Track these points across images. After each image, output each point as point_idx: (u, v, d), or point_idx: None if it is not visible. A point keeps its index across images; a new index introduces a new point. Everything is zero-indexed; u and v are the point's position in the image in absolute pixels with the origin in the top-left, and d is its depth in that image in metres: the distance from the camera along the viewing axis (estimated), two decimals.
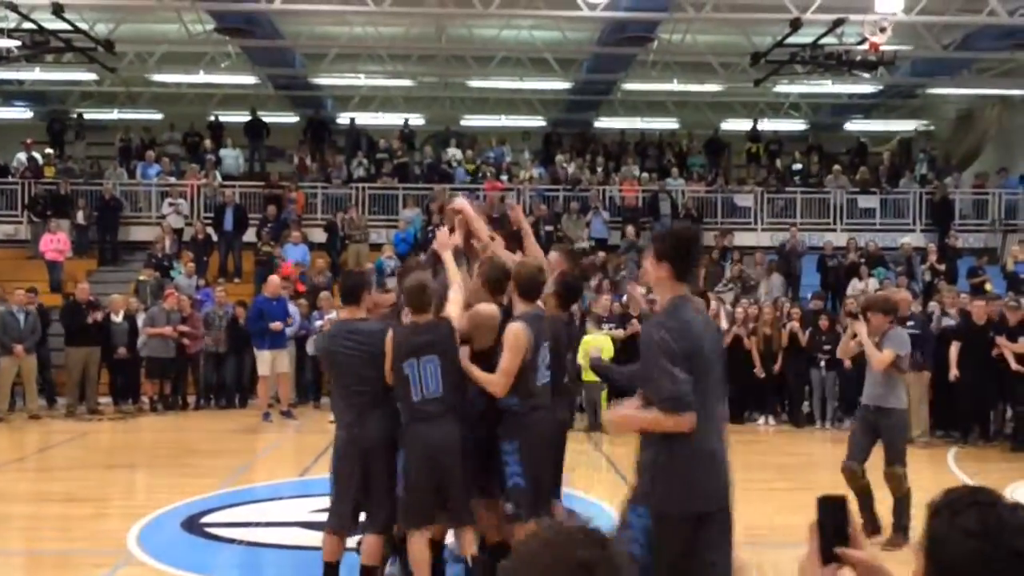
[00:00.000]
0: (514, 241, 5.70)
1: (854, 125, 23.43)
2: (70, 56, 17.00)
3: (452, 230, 5.37)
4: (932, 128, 23.45)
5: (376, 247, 17.38)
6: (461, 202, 5.51)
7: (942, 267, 16.18)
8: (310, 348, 13.13)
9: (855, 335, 6.63)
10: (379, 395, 4.95)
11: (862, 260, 16.36)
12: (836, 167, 20.20)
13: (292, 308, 13.22)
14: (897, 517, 6.32)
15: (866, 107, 22.74)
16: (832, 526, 1.73)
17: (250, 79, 20.44)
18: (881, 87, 20.27)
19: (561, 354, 5.10)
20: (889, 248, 17.65)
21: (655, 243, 3.67)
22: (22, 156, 19.70)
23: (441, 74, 20.53)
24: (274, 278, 13.37)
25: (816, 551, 1.73)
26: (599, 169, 20.22)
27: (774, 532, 6.52)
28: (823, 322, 12.36)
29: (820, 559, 1.72)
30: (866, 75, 16.86)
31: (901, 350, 6.44)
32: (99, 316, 12.81)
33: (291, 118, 22.75)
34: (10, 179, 19.25)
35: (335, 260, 17.35)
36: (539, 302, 4.91)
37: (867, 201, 19.54)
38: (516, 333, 4.68)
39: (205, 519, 7.13)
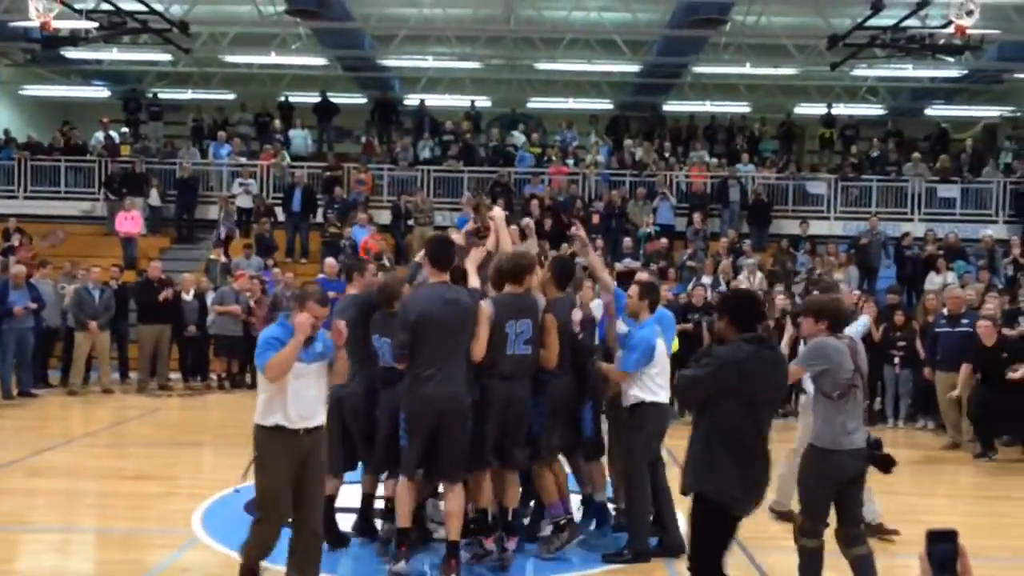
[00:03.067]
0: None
1: (935, 110, 22.60)
2: (146, 37, 17.32)
3: (487, 230, 6.23)
4: (1018, 114, 22.48)
5: (441, 229, 17.38)
6: (499, 212, 6.41)
7: None
8: None
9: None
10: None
11: (941, 252, 15.78)
12: (915, 154, 19.51)
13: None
14: None
15: (948, 92, 21.89)
16: (939, 560, 1.75)
17: (320, 60, 20.60)
18: (966, 71, 19.48)
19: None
20: (970, 240, 17.00)
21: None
22: (99, 135, 20.22)
23: (509, 56, 20.38)
24: (331, 260, 13.48)
25: None
26: (667, 154, 19.88)
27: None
28: (898, 317, 11.93)
29: None
30: (950, 59, 16.19)
31: (811, 366, 4.88)
32: (169, 294, 13.08)
33: (359, 99, 22.88)
34: (88, 157, 19.78)
35: (399, 242, 17.44)
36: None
37: (947, 190, 18.84)
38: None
39: None
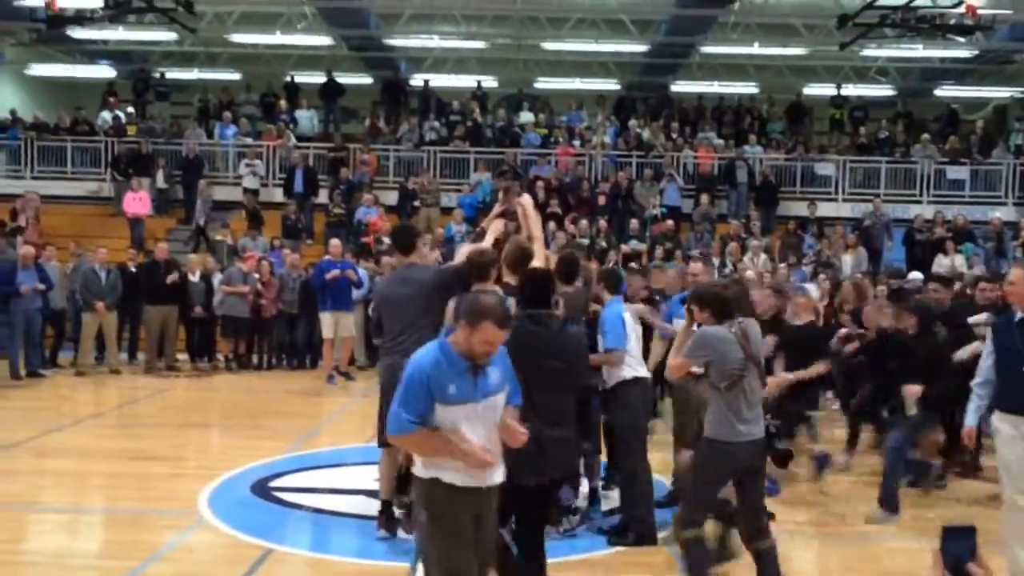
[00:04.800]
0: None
1: (945, 91, 22.41)
2: (151, 16, 17.28)
3: (512, 213, 6.25)
4: None
5: (447, 211, 17.39)
6: (528, 200, 6.26)
7: None
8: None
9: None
10: None
11: (949, 235, 15.70)
12: (925, 136, 19.37)
13: (361, 271, 13.27)
14: None
15: (959, 72, 21.70)
16: (954, 555, 1.74)
17: (325, 40, 20.51)
18: (976, 52, 19.30)
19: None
20: (979, 222, 16.91)
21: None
22: (106, 115, 20.20)
23: (515, 36, 20.27)
24: (335, 240, 13.46)
25: None
26: (674, 135, 19.78)
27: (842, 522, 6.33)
28: None
29: None
30: (961, 39, 16.05)
31: (694, 358, 4.71)
32: (176, 276, 13.10)
33: (365, 79, 22.79)
34: (94, 137, 19.76)
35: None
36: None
37: (956, 172, 18.70)
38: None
39: (273, 483, 7.26)
